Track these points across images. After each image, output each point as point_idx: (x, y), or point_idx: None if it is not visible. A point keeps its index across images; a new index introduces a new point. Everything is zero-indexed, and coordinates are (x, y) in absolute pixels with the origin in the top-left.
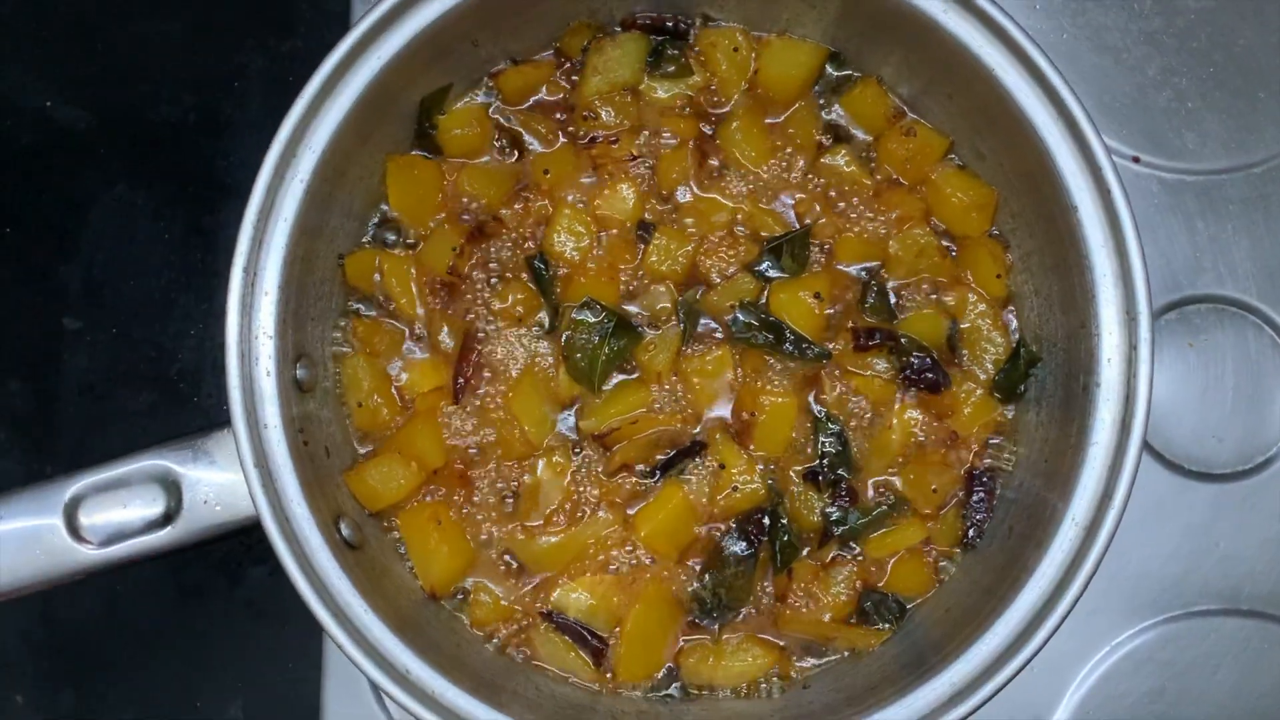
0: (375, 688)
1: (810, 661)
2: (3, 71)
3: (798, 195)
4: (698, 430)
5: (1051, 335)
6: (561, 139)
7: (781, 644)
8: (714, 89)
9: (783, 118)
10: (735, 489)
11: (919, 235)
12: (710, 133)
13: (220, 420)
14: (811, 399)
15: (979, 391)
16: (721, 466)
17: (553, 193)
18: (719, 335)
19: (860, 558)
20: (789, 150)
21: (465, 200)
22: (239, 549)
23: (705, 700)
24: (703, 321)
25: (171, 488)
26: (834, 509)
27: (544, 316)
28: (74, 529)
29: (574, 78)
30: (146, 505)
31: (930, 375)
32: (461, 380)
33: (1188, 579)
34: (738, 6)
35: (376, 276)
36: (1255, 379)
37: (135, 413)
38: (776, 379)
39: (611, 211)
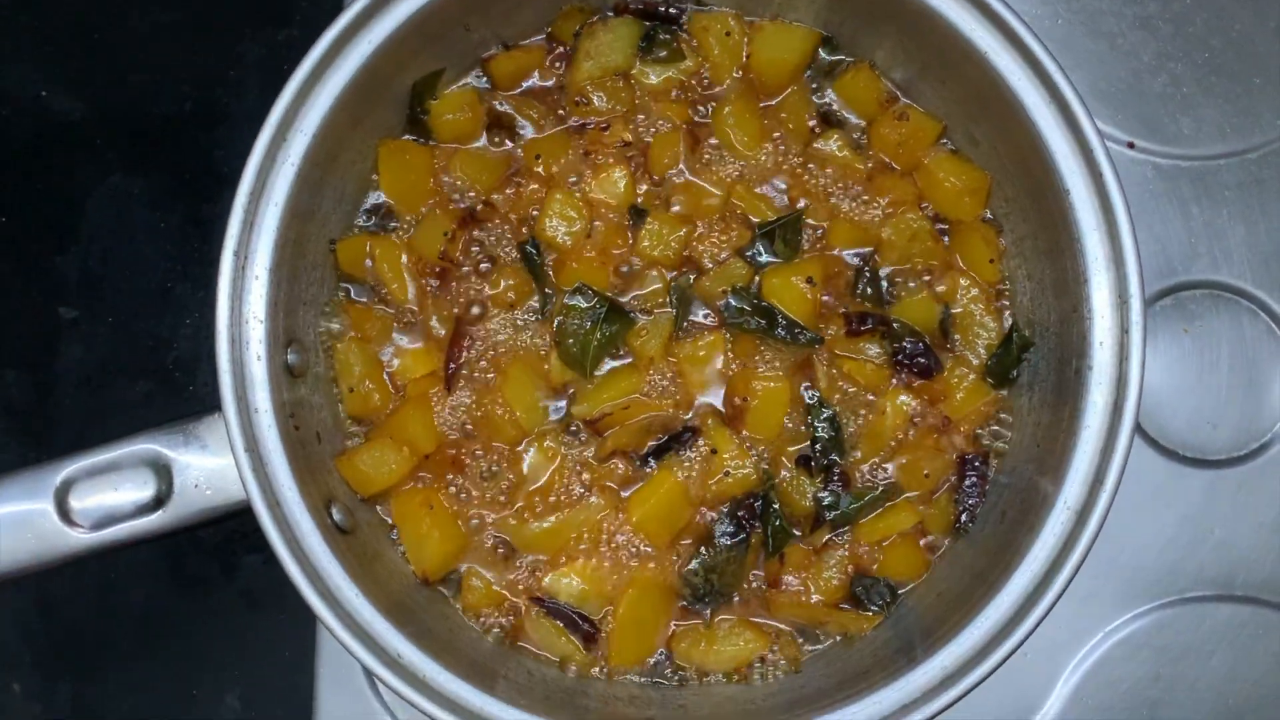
0: (368, 674)
1: (803, 646)
2: None
3: (790, 180)
4: (690, 415)
5: (1044, 320)
6: (554, 124)
7: (774, 628)
8: (706, 74)
9: (775, 102)
10: (727, 474)
11: (912, 220)
12: (703, 118)
13: (214, 406)
14: (804, 384)
15: (971, 376)
16: (713, 452)
17: (545, 178)
18: (711, 321)
19: (852, 542)
20: (781, 135)
21: (457, 185)
22: (235, 537)
23: (697, 685)
24: (695, 307)
25: (162, 472)
26: (826, 494)
27: (536, 302)
28: (65, 513)
29: (566, 63)
30: (137, 489)
31: (922, 360)
32: (453, 366)
33: (1182, 565)
34: None
35: (368, 262)
36: (1250, 365)
37: (132, 403)
38: (769, 364)
39: (604, 196)
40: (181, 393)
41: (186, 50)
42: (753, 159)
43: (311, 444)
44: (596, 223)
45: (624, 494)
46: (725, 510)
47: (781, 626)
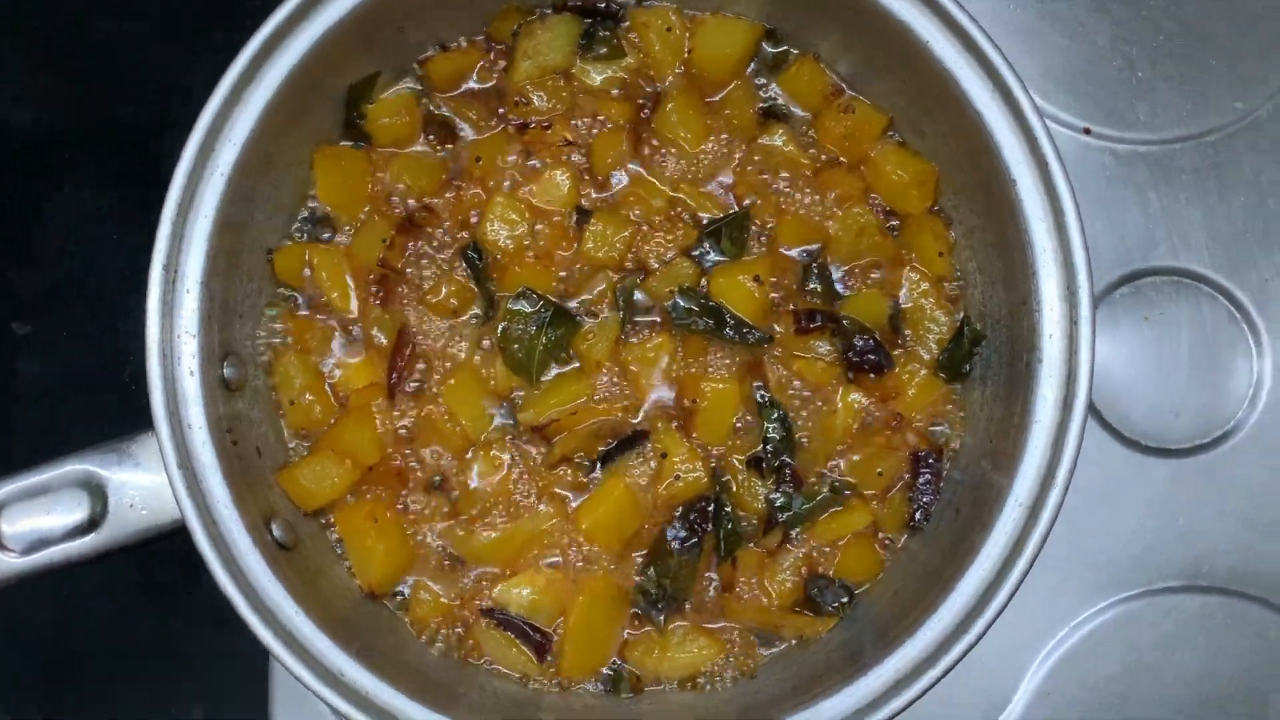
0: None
1: (759, 651)
2: None
3: (736, 177)
4: (639, 419)
5: (995, 313)
6: (494, 126)
7: (728, 634)
8: (648, 70)
9: (719, 98)
10: (678, 478)
11: (859, 214)
12: (646, 115)
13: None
14: (754, 385)
15: (923, 372)
16: (663, 456)
17: (485, 181)
18: (659, 322)
19: (806, 544)
20: (726, 131)
21: (396, 191)
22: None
23: (653, 694)
24: (642, 308)
25: (96, 492)
26: (778, 495)
27: (479, 308)
28: None
29: (504, 63)
30: (69, 511)
31: (873, 357)
32: (396, 375)
33: (1147, 557)
34: None
35: (307, 271)
36: (1211, 352)
37: (88, 417)
38: (718, 365)
39: (546, 198)
40: (140, 407)
41: (144, 60)
42: (698, 156)
43: (251, 459)
44: (539, 225)
45: (574, 501)
46: (676, 515)
47: (736, 631)
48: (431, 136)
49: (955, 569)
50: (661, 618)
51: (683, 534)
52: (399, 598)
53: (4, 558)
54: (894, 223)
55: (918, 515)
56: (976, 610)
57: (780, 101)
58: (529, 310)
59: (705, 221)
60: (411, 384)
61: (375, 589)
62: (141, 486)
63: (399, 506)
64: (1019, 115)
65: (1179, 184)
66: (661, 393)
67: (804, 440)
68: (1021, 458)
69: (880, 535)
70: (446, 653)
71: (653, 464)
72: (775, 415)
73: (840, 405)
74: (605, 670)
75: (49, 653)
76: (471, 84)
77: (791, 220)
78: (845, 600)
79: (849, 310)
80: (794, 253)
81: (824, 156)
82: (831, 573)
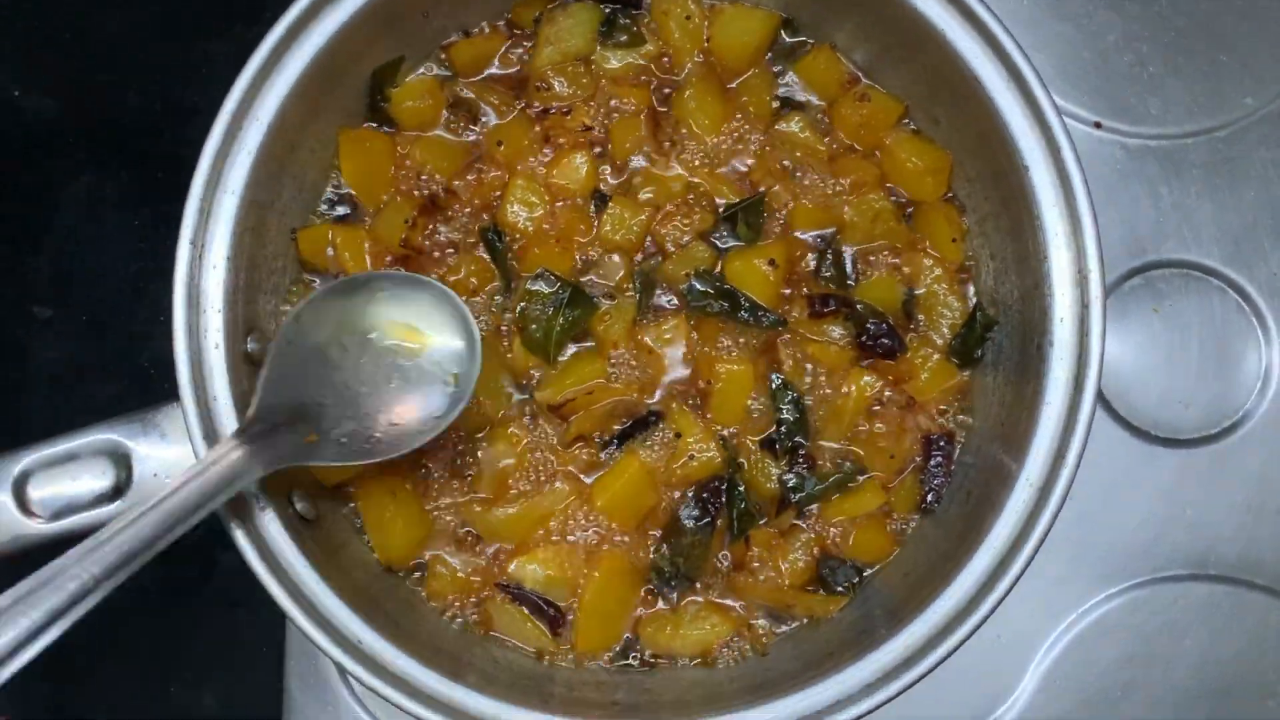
0: (340, 669)
1: (769, 629)
2: None
3: (752, 163)
4: (654, 400)
5: (1006, 298)
6: (516, 110)
7: (740, 612)
8: (667, 58)
9: (736, 85)
10: (692, 458)
11: (874, 201)
12: (664, 102)
13: (175, 395)
14: (768, 367)
15: (936, 356)
16: (678, 436)
17: (506, 164)
18: (675, 304)
19: (819, 524)
20: (743, 118)
21: (419, 173)
22: (210, 535)
23: (665, 669)
24: (658, 291)
25: (121, 461)
26: (791, 476)
27: (498, 288)
28: (23, 503)
29: (526, 47)
30: (95, 479)
31: (886, 341)
32: None
33: (1155, 545)
34: None
35: (330, 250)
36: (1220, 343)
37: (106, 400)
38: (732, 347)
39: (565, 182)
40: (156, 391)
41: (158, 49)
42: (715, 142)
43: None
44: (559, 204)
45: (588, 480)
46: (690, 494)
47: (748, 609)
48: (454, 120)
49: (966, 551)
50: (675, 595)
51: (696, 513)
52: (417, 572)
53: (33, 523)
54: (906, 208)
55: (929, 497)
56: (987, 587)
57: (797, 89)
58: (547, 291)
59: (722, 206)
60: None
61: (393, 562)
62: (165, 457)
63: (418, 481)
64: (1033, 103)
65: (1189, 178)
66: (677, 374)
67: (816, 422)
68: (1032, 438)
69: (892, 517)
70: (462, 626)
71: (667, 444)
72: (789, 397)
73: (853, 388)
74: (617, 646)
75: (56, 641)
76: (494, 69)
77: (807, 205)
78: (856, 580)
79: (862, 295)
80: (809, 237)
81: (839, 144)
82: (842, 552)
